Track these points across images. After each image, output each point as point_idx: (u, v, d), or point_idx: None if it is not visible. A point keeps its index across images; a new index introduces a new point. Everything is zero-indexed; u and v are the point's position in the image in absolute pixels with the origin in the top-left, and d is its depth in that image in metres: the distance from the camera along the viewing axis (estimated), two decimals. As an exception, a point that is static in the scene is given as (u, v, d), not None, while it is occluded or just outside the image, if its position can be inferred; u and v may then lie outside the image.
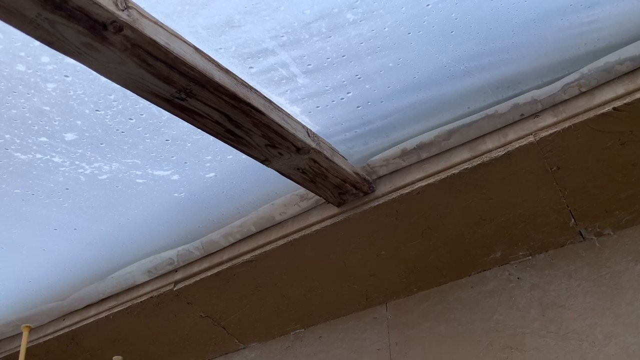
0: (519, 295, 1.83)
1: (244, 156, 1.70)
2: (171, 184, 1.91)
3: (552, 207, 1.76)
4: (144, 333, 2.35)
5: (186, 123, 1.51)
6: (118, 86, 1.37)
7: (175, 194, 1.96)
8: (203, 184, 1.93)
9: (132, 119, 1.64)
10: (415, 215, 1.86)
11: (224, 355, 2.39)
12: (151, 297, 2.22)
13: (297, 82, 1.58)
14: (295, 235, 1.98)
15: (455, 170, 1.74)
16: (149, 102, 1.42)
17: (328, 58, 1.52)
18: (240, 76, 1.46)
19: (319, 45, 1.48)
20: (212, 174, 1.89)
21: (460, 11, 1.44)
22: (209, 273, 2.13)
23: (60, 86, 1.50)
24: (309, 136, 1.66)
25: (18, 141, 1.65)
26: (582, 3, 1.46)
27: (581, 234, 1.81)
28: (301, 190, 1.98)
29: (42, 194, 1.86)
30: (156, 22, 1.27)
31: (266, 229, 2.07)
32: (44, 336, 2.43)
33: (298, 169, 1.71)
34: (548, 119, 1.65)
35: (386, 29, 1.47)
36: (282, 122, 1.55)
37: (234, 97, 1.42)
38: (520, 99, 1.69)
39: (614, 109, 1.56)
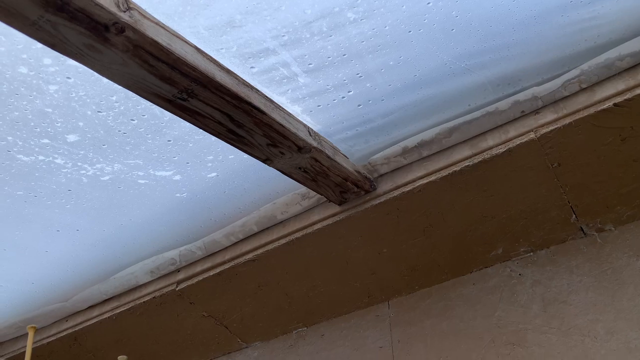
0: (521, 291, 1.83)
1: (246, 156, 1.71)
2: (173, 184, 1.92)
3: (553, 203, 1.77)
4: (146, 333, 2.35)
5: (188, 123, 1.51)
6: (120, 87, 1.38)
7: (177, 194, 1.96)
8: (205, 184, 1.93)
9: (134, 120, 1.64)
10: (417, 213, 1.86)
11: (226, 355, 2.39)
12: (154, 298, 2.23)
13: (298, 82, 1.59)
14: (297, 234, 1.99)
15: (456, 168, 1.75)
16: (150, 103, 1.43)
17: (329, 57, 1.53)
18: (241, 76, 1.47)
19: (320, 45, 1.49)
20: (213, 174, 1.89)
21: (461, 9, 1.45)
22: (211, 273, 2.13)
23: (62, 88, 1.50)
24: (311, 135, 1.67)
25: (20, 143, 1.65)
26: (582, 0, 1.47)
27: (582, 230, 1.82)
28: (303, 189, 1.98)
29: (45, 195, 1.87)
30: (158, 23, 1.28)
31: (268, 228, 2.08)
32: (47, 337, 2.44)
33: (300, 168, 1.72)
34: (549, 116, 1.66)
35: (387, 28, 1.47)
36: (283, 122, 1.56)
37: (235, 97, 1.43)
38: (520, 96, 1.70)
39: (615, 104, 1.56)
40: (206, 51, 1.38)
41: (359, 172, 1.84)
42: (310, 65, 1.54)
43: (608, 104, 1.57)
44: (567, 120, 1.62)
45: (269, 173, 1.87)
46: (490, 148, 1.72)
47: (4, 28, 1.28)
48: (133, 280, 2.28)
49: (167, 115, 1.62)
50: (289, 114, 1.61)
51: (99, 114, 1.60)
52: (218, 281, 2.14)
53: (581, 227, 1.81)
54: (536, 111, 1.69)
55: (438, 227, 1.88)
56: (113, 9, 1.18)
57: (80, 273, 2.28)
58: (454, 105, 1.75)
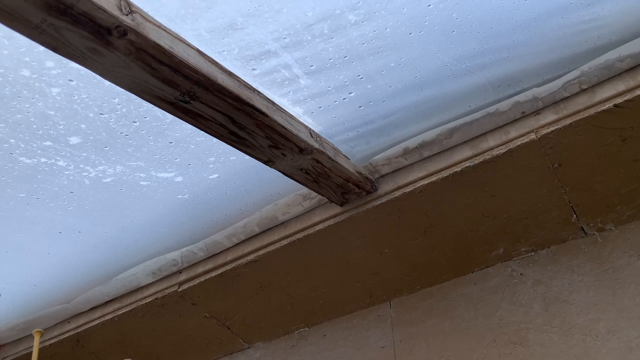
0: (522, 291, 1.84)
1: (247, 157, 1.72)
2: (175, 186, 1.92)
3: (554, 203, 1.77)
4: (149, 334, 2.36)
5: (189, 125, 1.52)
6: (122, 90, 1.38)
7: (179, 196, 1.97)
8: (206, 185, 1.94)
9: (135, 122, 1.65)
10: (418, 214, 1.87)
11: (228, 355, 2.40)
12: (156, 299, 2.23)
13: (300, 83, 1.59)
14: (299, 235, 2.00)
15: (457, 168, 1.76)
16: (152, 105, 1.43)
17: (330, 59, 1.54)
18: (243, 78, 1.47)
19: (321, 47, 1.49)
20: (215, 175, 1.90)
21: (461, 11, 1.45)
22: (213, 274, 2.14)
23: (64, 90, 1.51)
24: (312, 137, 1.67)
25: (23, 145, 1.66)
26: (582, 1, 1.47)
27: (583, 230, 1.82)
28: (304, 190, 1.99)
29: (47, 197, 1.87)
30: (160, 26, 1.28)
31: (269, 229, 2.09)
32: (50, 339, 2.44)
33: (301, 170, 1.72)
34: (549, 116, 1.66)
35: (388, 30, 1.48)
36: (285, 123, 1.56)
37: (237, 99, 1.43)
38: (521, 97, 1.70)
39: (615, 105, 1.57)
40: (208, 54, 1.38)
41: (360, 173, 1.85)
42: (312, 67, 1.55)
43: (608, 104, 1.58)
44: (568, 121, 1.62)
45: (270, 174, 1.87)
46: (491, 149, 1.72)
47: (7, 31, 1.29)
48: (135, 282, 2.29)
49: (169, 117, 1.63)
50: (291, 116, 1.62)
51: (101, 116, 1.61)
52: (220, 282, 2.14)
53: (582, 227, 1.82)
54: (537, 112, 1.70)
55: (439, 227, 1.89)
56: (115, 12, 1.18)
57: (82, 274, 2.29)
58: (454, 106, 1.76)
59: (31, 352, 2.43)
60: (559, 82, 1.66)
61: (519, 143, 1.68)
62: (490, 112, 1.74)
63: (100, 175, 1.82)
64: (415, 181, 1.83)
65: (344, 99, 1.67)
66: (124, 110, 1.60)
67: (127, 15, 1.21)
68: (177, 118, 1.48)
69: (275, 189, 2.01)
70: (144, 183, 1.89)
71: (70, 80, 1.49)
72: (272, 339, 2.32)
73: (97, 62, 1.26)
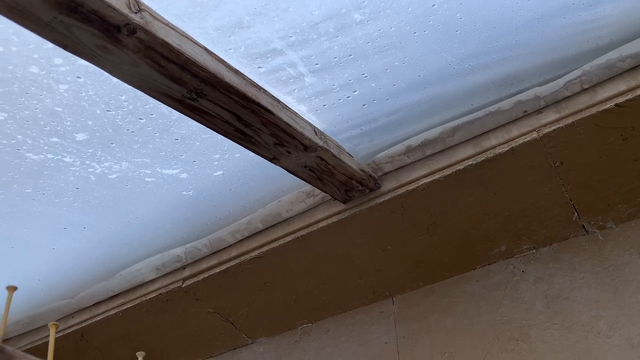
0: (524, 288, 1.86)
1: (251, 154, 1.73)
2: (179, 183, 1.94)
3: (555, 201, 1.79)
4: (152, 329, 2.38)
5: (195, 122, 1.54)
6: (129, 86, 1.40)
7: (184, 192, 1.99)
8: (211, 182, 1.95)
9: (142, 119, 1.66)
10: (421, 211, 1.89)
11: (232, 350, 2.42)
12: (160, 294, 2.25)
13: (305, 81, 1.61)
14: (302, 232, 2.01)
15: (460, 167, 1.77)
16: (158, 102, 1.45)
17: (335, 57, 1.55)
18: (249, 76, 1.49)
19: (327, 45, 1.51)
20: (220, 172, 1.92)
21: (465, 11, 1.47)
22: (217, 270, 2.16)
23: (72, 87, 1.53)
24: (316, 134, 1.69)
25: (30, 142, 1.67)
26: (584, 2, 1.49)
27: (584, 228, 1.84)
28: (307, 187, 2.01)
29: (53, 193, 1.89)
30: (168, 24, 1.30)
31: (273, 225, 2.10)
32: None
33: (306, 167, 1.74)
34: (551, 116, 1.68)
35: (392, 29, 1.49)
36: (290, 121, 1.58)
37: (243, 97, 1.45)
38: (523, 96, 1.72)
39: (616, 105, 1.59)
40: (214, 51, 1.40)
41: (363, 171, 1.87)
42: (317, 66, 1.57)
43: (609, 104, 1.60)
44: (569, 120, 1.64)
45: (274, 171, 1.89)
46: (494, 147, 1.74)
47: (17, 28, 1.31)
48: (139, 277, 2.30)
49: (175, 114, 1.64)
50: (296, 114, 1.63)
51: (108, 112, 1.63)
52: (224, 278, 2.16)
53: (583, 225, 1.84)
54: (539, 111, 1.72)
55: (442, 224, 1.91)
56: (125, 10, 1.20)
57: (86, 270, 2.30)
58: (457, 105, 1.78)
59: (34, 347, 2.46)
60: (560, 82, 1.68)
61: (521, 142, 1.70)
62: (492, 111, 1.75)
63: (106, 171, 1.84)
64: (418, 179, 1.84)
65: (348, 97, 1.69)
66: (131, 107, 1.62)
67: (136, 13, 1.22)
68: (183, 115, 1.50)
69: (279, 186, 2.03)
70: (149, 179, 1.90)
71: (78, 77, 1.51)
72: (275, 334, 2.34)
73: (106, 59, 1.28)
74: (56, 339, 2.45)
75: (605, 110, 1.60)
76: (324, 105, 1.70)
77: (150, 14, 1.26)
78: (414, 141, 1.86)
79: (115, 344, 2.43)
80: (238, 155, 1.85)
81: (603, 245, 1.79)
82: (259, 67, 1.54)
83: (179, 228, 2.16)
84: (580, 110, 1.64)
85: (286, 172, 1.77)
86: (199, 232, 2.19)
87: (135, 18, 1.22)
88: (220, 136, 1.59)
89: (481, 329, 1.87)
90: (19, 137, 1.66)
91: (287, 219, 2.08)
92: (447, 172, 1.79)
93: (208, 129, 1.55)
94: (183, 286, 2.21)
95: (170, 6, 1.34)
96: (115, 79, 1.38)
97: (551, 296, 1.80)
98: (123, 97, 1.58)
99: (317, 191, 1.99)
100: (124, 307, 2.32)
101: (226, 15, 1.40)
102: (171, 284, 2.24)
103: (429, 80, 1.67)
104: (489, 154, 1.74)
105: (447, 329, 1.94)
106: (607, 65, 1.61)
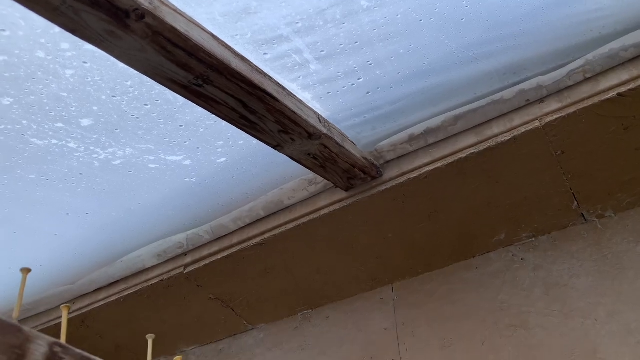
0: (523, 275, 1.88)
1: (255, 141, 1.74)
2: (183, 169, 1.95)
3: (555, 190, 1.81)
4: (153, 316, 2.39)
5: (200, 109, 1.54)
6: (135, 72, 1.40)
7: (187, 179, 1.99)
8: (214, 169, 1.96)
9: (147, 105, 1.67)
10: (422, 199, 1.90)
11: (232, 336, 2.44)
12: (161, 280, 2.26)
13: (310, 69, 1.62)
14: (304, 219, 2.03)
15: (462, 155, 1.79)
16: (164, 88, 1.45)
17: (341, 44, 1.56)
18: (254, 62, 1.49)
19: (333, 32, 1.52)
20: (223, 159, 1.92)
21: (472, -1, 1.48)
22: (218, 256, 2.17)
23: (78, 72, 1.53)
24: (320, 122, 1.70)
25: (35, 127, 1.68)
26: (588, -9, 1.50)
27: (583, 216, 1.86)
28: (310, 175, 2.02)
29: (56, 179, 1.89)
30: (176, 10, 1.30)
31: (275, 213, 2.11)
32: (55, 319, 2.47)
33: (309, 155, 1.75)
34: (553, 105, 1.70)
35: (399, 16, 1.50)
36: (295, 109, 1.59)
37: (249, 83, 1.46)
38: (525, 85, 1.73)
39: (618, 94, 1.60)
40: (221, 38, 1.40)
41: (366, 159, 1.88)
42: (322, 53, 1.57)
43: (612, 93, 1.61)
44: (572, 110, 1.66)
45: (277, 159, 1.90)
46: (496, 136, 1.75)
47: (24, 12, 1.30)
48: (140, 264, 2.31)
49: (180, 100, 1.65)
50: (300, 101, 1.64)
51: (114, 98, 1.63)
52: (225, 265, 2.18)
53: (582, 214, 1.86)
54: (541, 100, 1.73)
55: (443, 213, 1.92)
56: (134, -5, 1.20)
57: (88, 256, 2.31)
58: (460, 94, 1.79)
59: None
60: (563, 71, 1.69)
61: (523, 130, 1.71)
62: (495, 100, 1.77)
63: (110, 157, 1.84)
64: (420, 167, 1.86)
65: (353, 84, 1.70)
66: (136, 93, 1.62)
67: (144, -2, 1.22)
68: (188, 101, 1.51)
69: (281, 173, 2.04)
70: (153, 166, 1.91)
71: (85, 63, 1.51)
72: (275, 320, 2.36)
73: (114, 44, 1.29)
74: (57, 325, 2.48)
75: (608, 99, 1.61)
76: (328, 93, 1.71)
77: (159, -1, 1.26)
78: (417, 130, 1.87)
79: (116, 329, 2.44)
80: (241, 142, 1.86)
81: (602, 233, 1.82)
82: (265, 54, 1.55)
83: (181, 215, 2.17)
84: (582, 100, 1.65)
85: (289, 159, 1.78)
86: (201, 219, 2.20)
87: (144, 3, 1.22)
88: (224, 123, 1.60)
89: (480, 315, 1.89)
90: (24, 122, 1.66)
91: (289, 207, 2.09)
92: (449, 160, 1.81)
93: (212, 115, 1.55)
94: (184, 272, 2.23)
95: (178, -8, 1.34)
96: (121, 65, 1.38)
97: (550, 283, 1.82)
98: (129, 83, 1.59)
99: (320, 179, 2.00)
100: (125, 293, 2.33)
101: (234, 1, 1.40)
102: (172, 270, 2.25)
103: (433, 68, 1.68)
104: (491, 143, 1.75)
105: (447, 315, 1.96)
106: (610, 55, 1.62)
